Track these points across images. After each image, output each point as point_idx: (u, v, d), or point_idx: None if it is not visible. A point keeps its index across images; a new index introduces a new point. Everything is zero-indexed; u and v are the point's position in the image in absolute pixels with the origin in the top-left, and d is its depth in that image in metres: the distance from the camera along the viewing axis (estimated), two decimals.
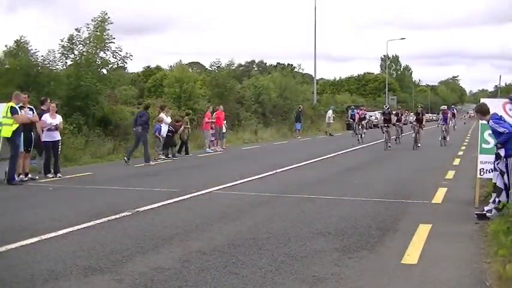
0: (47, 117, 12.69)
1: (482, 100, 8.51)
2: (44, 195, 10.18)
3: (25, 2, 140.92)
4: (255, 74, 40.97)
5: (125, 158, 15.77)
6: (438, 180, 11.70)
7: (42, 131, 12.60)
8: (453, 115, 40.25)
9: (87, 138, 17.91)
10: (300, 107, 34.29)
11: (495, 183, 7.65)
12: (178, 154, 18.39)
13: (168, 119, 17.93)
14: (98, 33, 20.37)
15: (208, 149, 20.68)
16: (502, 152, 7.48)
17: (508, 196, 7.41)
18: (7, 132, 11.27)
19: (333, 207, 8.50)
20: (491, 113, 7.84)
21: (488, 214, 7.48)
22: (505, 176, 7.45)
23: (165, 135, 17.42)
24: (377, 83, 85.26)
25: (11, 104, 11.42)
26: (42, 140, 12.66)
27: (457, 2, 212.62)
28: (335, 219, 7.53)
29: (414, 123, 22.61)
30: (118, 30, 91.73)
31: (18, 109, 11.49)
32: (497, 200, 7.48)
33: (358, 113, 29.41)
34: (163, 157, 17.30)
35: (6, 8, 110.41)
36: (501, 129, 7.44)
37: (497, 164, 7.58)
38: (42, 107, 13.05)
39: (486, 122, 7.95)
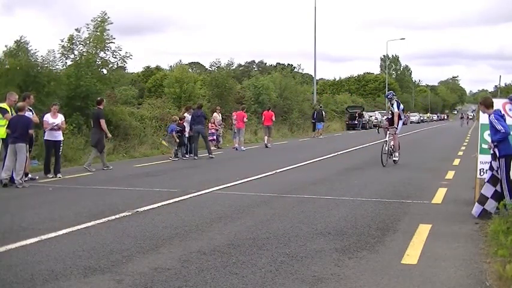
0: (48, 117, 12.72)
1: None
2: (44, 195, 10.17)
3: (23, 2, 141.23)
4: (255, 74, 40.86)
5: (195, 157, 17.48)
6: (438, 180, 11.71)
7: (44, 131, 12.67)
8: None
9: (87, 138, 17.90)
10: (321, 106, 35.02)
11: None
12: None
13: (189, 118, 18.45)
14: (98, 33, 20.37)
15: (242, 148, 21.72)
16: (497, 152, 7.52)
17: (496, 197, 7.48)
18: (1, 133, 11.29)
19: (333, 207, 8.51)
20: (494, 108, 7.87)
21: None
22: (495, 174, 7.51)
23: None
24: (377, 83, 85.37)
25: (2, 105, 11.46)
26: (44, 138, 12.72)
27: (456, 3, 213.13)
28: (335, 219, 7.53)
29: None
30: (118, 31, 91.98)
31: (9, 109, 11.49)
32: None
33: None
34: (174, 157, 17.41)
35: (4, 8, 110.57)
36: (499, 126, 7.44)
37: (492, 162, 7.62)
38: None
39: (487, 116, 7.91)
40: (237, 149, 21.74)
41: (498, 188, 7.50)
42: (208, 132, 21.07)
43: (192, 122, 18.04)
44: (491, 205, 7.49)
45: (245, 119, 22.83)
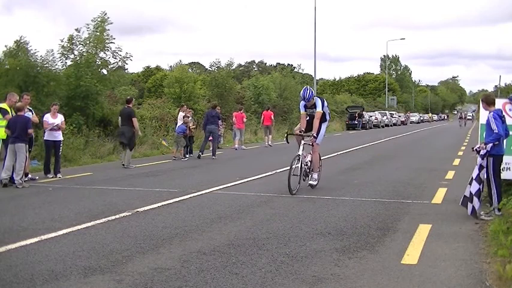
0: (48, 117, 12.73)
1: None
2: (44, 195, 10.17)
3: (23, 2, 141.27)
4: (255, 74, 40.88)
5: (200, 153, 17.60)
6: (438, 180, 11.71)
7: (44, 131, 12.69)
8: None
9: (87, 138, 17.92)
10: None
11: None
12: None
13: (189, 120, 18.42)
14: (98, 33, 20.38)
15: (243, 147, 22.30)
16: (482, 151, 7.57)
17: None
18: (1, 133, 11.30)
19: (333, 207, 8.51)
20: (496, 107, 7.89)
21: (486, 217, 7.50)
22: (483, 172, 7.56)
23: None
24: (377, 83, 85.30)
25: (2, 105, 11.47)
26: (44, 138, 12.74)
27: (456, 3, 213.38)
28: (335, 219, 7.53)
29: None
30: (117, 31, 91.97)
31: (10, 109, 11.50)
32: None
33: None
34: (184, 157, 17.44)
35: (3, 8, 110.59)
36: (493, 126, 7.49)
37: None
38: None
39: (487, 113, 7.92)
40: (236, 149, 21.75)
41: (481, 186, 7.55)
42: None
43: (206, 122, 18.19)
44: (475, 201, 7.51)
45: (244, 119, 23.01)
